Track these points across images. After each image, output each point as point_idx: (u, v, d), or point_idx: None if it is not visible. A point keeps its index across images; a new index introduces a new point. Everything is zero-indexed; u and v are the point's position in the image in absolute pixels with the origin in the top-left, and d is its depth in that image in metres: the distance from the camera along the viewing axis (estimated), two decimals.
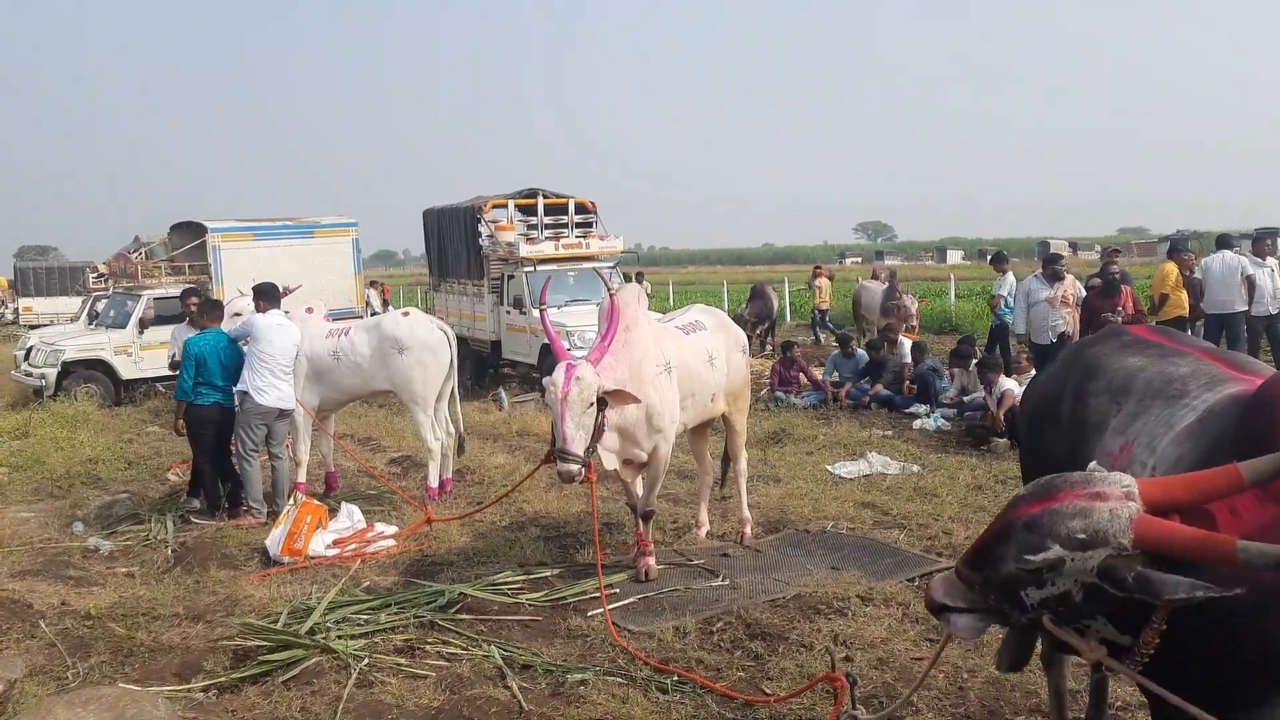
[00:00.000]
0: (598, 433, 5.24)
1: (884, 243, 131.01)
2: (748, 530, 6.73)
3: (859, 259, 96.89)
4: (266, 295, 7.80)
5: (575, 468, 5.02)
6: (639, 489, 6.14)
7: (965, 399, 10.96)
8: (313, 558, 6.57)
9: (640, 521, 6.01)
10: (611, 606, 5.34)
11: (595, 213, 15.44)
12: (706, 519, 6.90)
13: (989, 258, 14.20)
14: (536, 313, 13.45)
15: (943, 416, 10.65)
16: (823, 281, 21.05)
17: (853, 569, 5.94)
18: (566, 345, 13.19)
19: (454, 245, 15.89)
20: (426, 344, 7.92)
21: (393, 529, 7.13)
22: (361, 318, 14.81)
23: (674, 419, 5.82)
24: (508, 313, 14.42)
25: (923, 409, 11.16)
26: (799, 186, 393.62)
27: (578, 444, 5.04)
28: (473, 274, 15.30)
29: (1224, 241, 11.98)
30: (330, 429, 8.55)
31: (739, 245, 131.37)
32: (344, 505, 7.29)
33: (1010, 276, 12.55)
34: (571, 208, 15.22)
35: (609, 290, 5.62)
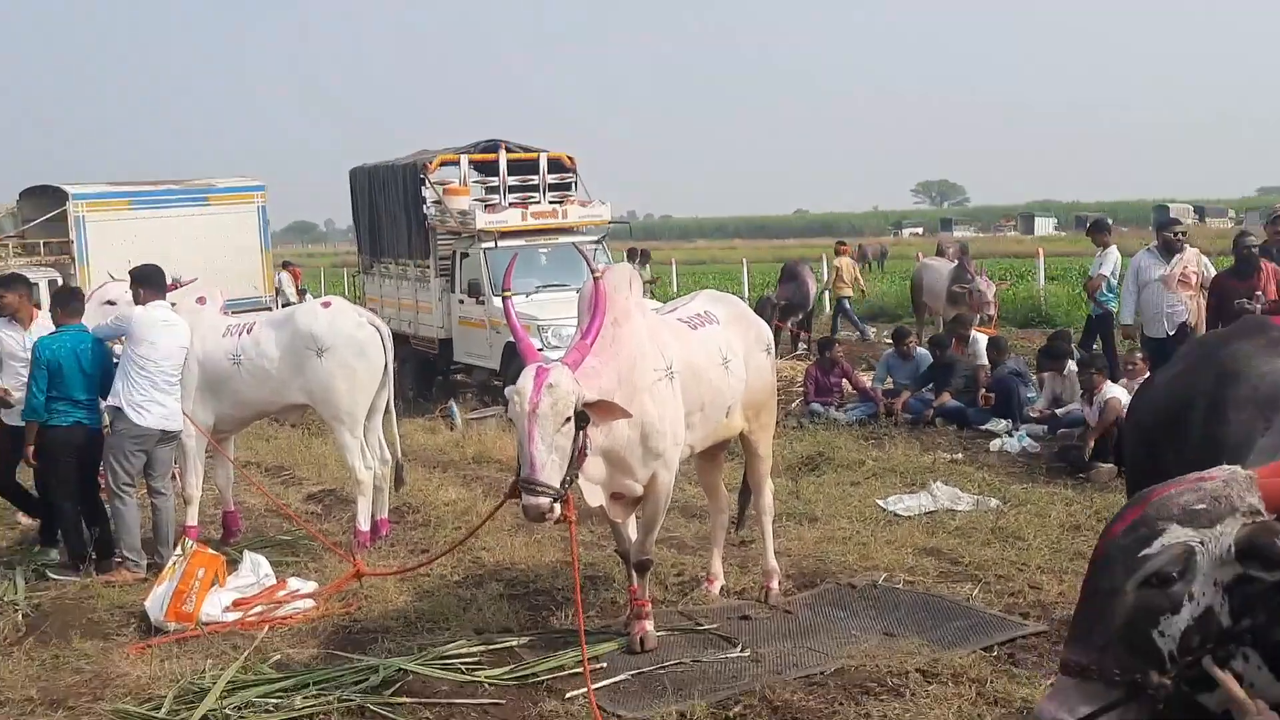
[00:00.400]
0: (577, 458, 5.24)
1: (952, 208, 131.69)
2: (774, 585, 6.74)
3: (919, 230, 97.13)
4: (148, 282, 7.79)
5: (546, 501, 5.01)
6: (632, 532, 6.14)
7: (1058, 411, 11.01)
8: (207, 624, 6.56)
9: (634, 574, 6.01)
10: (597, 686, 5.32)
11: (575, 171, 15.50)
12: (720, 570, 6.91)
13: (1087, 226, 14.23)
14: (498, 302, 13.54)
15: (1028, 435, 10.69)
16: (843, 261, 21.17)
17: (911, 635, 5.95)
18: (538, 344, 13.29)
19: (390, 215, 15.93)
20: (353, 343, 7.92)
21: (311, 586, 7.12)
22: (271, 309, 14.84)
23: (678, 440, 5.82)
24: (460, 302, 14.46)
25: (1002, 425, 11.21)
26: (841, 136, 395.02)
27: (550, 472, 5.03)
28: (415, 252, 15.34)
29: None
30: (230, 455, 8.55)
31: (764, 212, 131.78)
32: (247, 555, 7.29)
33: (1114, 251, 12.61)
34: (543, 165, 15.27)
35: (592, 272, 5.62)
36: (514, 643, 6.06)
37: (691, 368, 5.96)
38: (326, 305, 8.15)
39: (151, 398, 7.48)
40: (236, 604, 6.81)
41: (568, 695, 5.38)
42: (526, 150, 15.40)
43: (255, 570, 7.14)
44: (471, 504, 9.16)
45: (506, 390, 5.23)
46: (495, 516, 8.48)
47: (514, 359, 13.19)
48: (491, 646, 6.00)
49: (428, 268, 15.02)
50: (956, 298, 15.38)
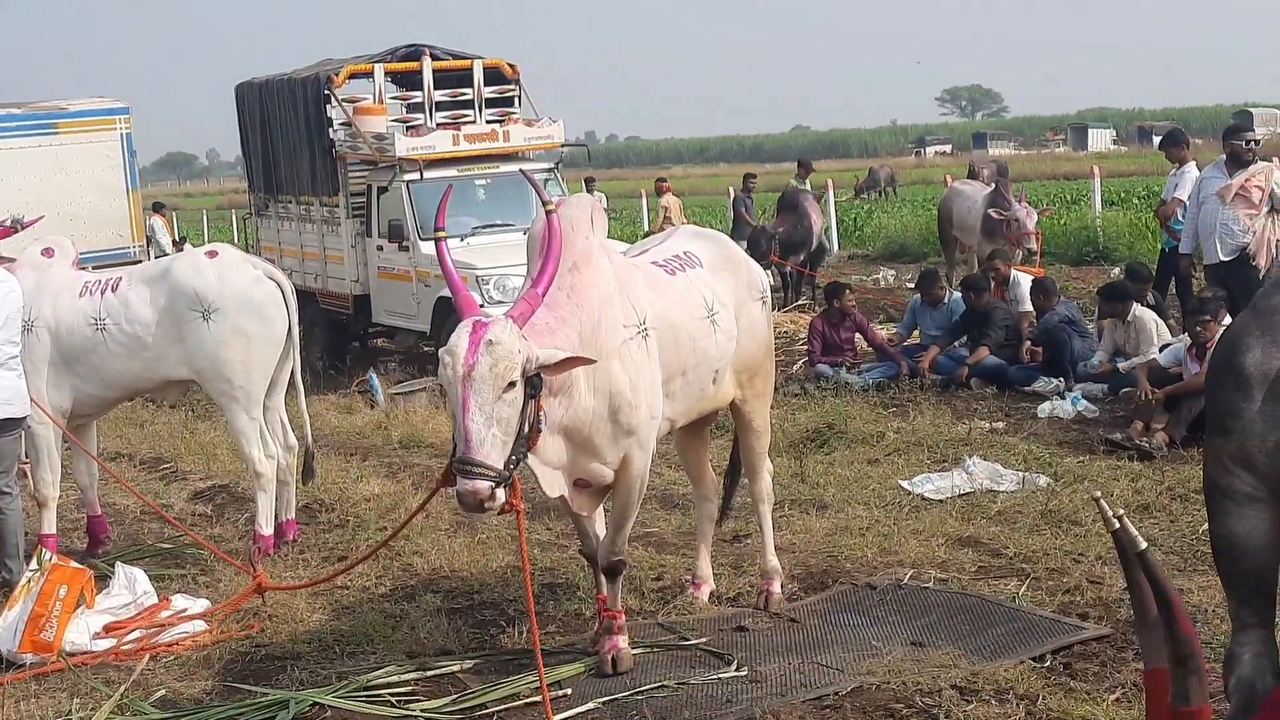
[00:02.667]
0: (529, 435, 5.24)
1: (987, 120, 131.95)
2: (775, 588, 6.79)
3: (946, 147, 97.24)
4: None
5: (486, 486, 4.98)
6: (600, 528, 6.15)
7: (1120, 366, 11.10)
8: (71, 654, 6.54)
9: (603, 580, 6.04)
10: (559, 718, 5.36)
11: (518, 83, 15.46)
12: (709, 572, 6.95)
13: (1160, 139, 14.26)
14: (426, 247, 13.53)
15: (1084, 396, 10.78)
16: (670, 200, 21.45)
17: (945, 644, 6.01)
18: (478, 299, 13.30)
19: (289, 142, 15.86)
20: (248, 302, 7.89)
21: (202, 604, 7.12)
22: (140, 262, 14.74)
23: (654, 413, 5.83)
24: (379, 249, 14.43)
25: (1052, 384, 11.30)
26: (848, 33, 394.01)
27: (491, 449, 5.01)
28: (320, 188, 15.29)
29: None
30: (91, 446, 8.50)
31: (754, 131, 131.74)
32: (120, 569, 7.28)
33: (1192, 169, 12.66)
34: (478, 75, 15.22)
35: (545, 204, 5.59)
36: (456, 667, 6.08)
37: (670, 323, 5.96)
38: (212, 255, 8.10)
39: None
40: (109, 629, 6.78)
41: None
42: (457, 58, 15.32)
43: (131, 586, 7.12)
44: (399, 499, 9.21)
45: (440, 352, 5.22)
46: (428, 511, 8.56)
47: (448, 318, 13.23)
48: (429, 673, 6.02)
49: (337, 207, 14.98)
50: (993, 229, 15.45)
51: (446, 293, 13.11)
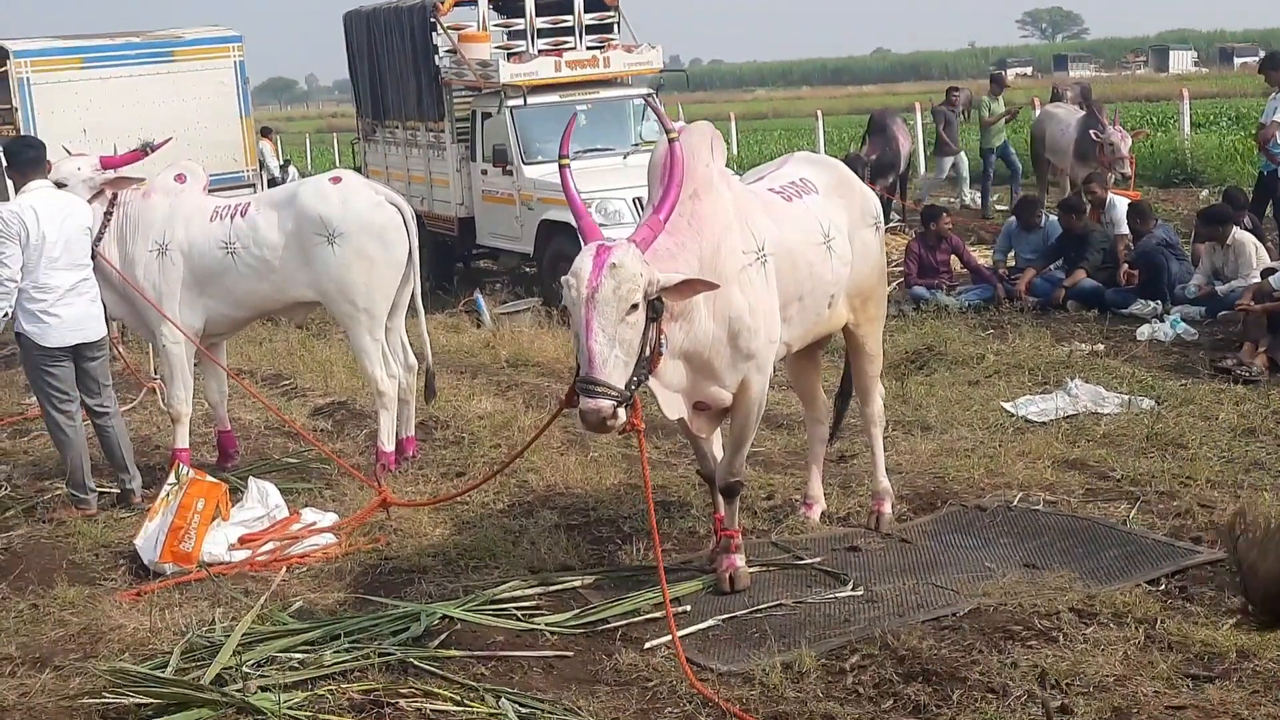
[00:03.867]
0: (650, 358, 5.19)
1: (1068, 43, 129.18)
2: (886, 509, 6.72)
3: (1027, 70, 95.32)
4: (18, 159, 7.57)
5: (609, 405, 4.95)
6: (717, 449, 6.09)
7: (1219, 289, 10.82)
8: (210, 565, 6.62)
9: (721, 500, 5.99)
10: (682, 634, 5.33)
11: (617, 9, 15.23)
12: (820, 492, 6.90)
13: (1260, 62, 13.77)
14: (530, 171, 13.44)
15: (1182, 319, 10.52)
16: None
17: (1059, 567, 5.92)
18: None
19: (395, 69, 15.79)
20: (371, 227, 7.86)
21: (330, 518, 7.17)
22: (255, 187, 14.78)
23: (772, 338, 5.74)
24: (484, 173, 14.36)
25: (1150, 307, 11.06)
26: None
27: (614, 370, 4.97)
28: (426, 113, 15.23)
29: None
30: (223, 364, 8.56)
31: (836, 54, 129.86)
32: (252, 482, 7.35)
33: None
34: (579, 2, 15.01)
35: (667, 132, 5.47)
36: (577, 583, 6.09)
37: (787, 249, 5.85)
38: (336, 181, 8.05)
39: (44, 309, 7.32)
40: (243, 541, 6.87)
41: (646, 645, 5.40)
42: None
43: (263, 500, 7.19)
44: (511, 416, 9.17)
45: (562, 280, 5.14)
46: (549, 432, 8.56)
47: (551, 241, 13.20)
48: (551, 588, 6.03)
49: (442, 132, 14.90)
50: (1087, 152, 15.09)
51: (550, 215, 13.19)
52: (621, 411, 5.02)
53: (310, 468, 8.36)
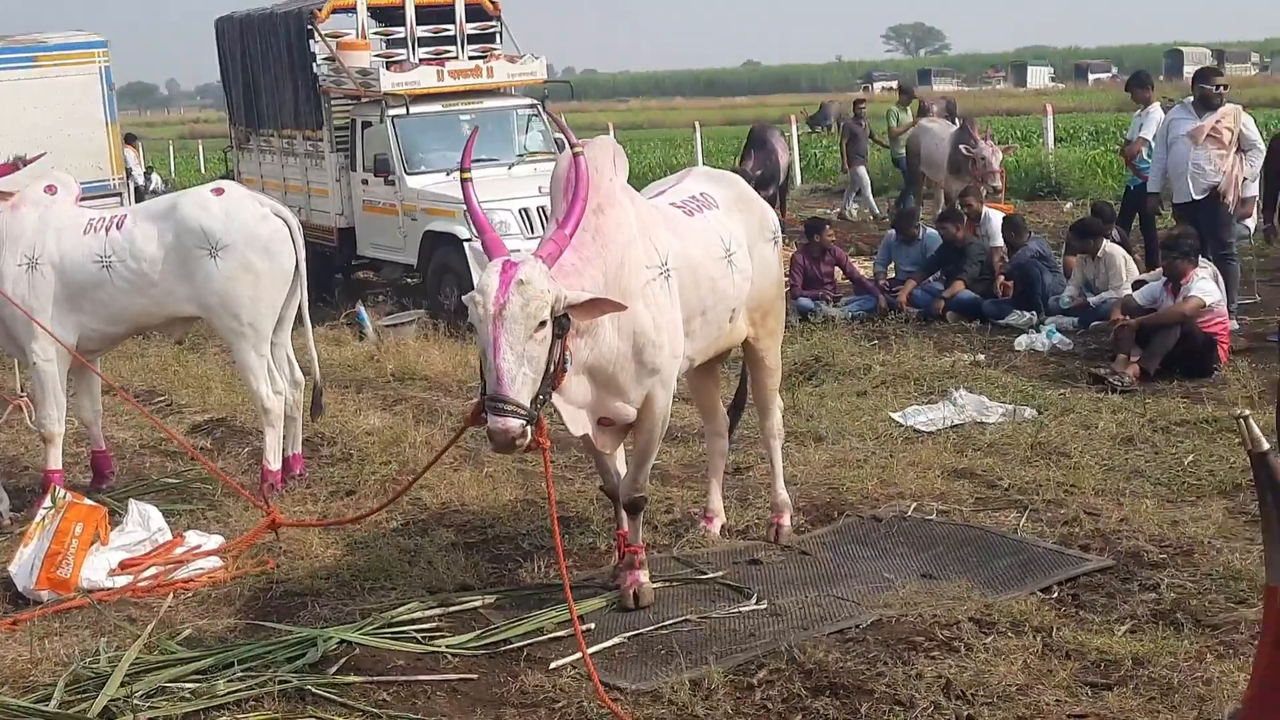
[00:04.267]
0: (555, 374, 5.14)
1: (930, 58, 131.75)
2: (785, 521, 6.73)
3: (893, 84, 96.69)
4: None
5: (517, 425, 4.89)
6: (620, 464, 6.07)
7: (1091, 300, 11.09)
8: (90, 591, 6.41)
9: (625, 516, 5.95)
10: (590, 651, 5.27)
11: (499, 19, 15.15)
12: (720, 505, 6.90)
13: (1127, 80, 14.18)
14: (413, 181, 13.28)
15: (1058, 329, 10.75)
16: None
17: (955, 576, 5.97)
18: (465, 234, 13.06)
19: (270, 75, 15.54)
20: (256, 240, 7.68)
21: (216, 540, 6.99)
22: (121, 196, 14.39)
23: (676, 352, 5.72)
24: (364, 183, 14.18)
25: (1025, 318, 11.30)
26: None
27: (522, 388, 4.91)
28: (303, 121, 15.00)
29: None
30: (97, 382, 8.27)
31: (707, 65, 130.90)
32: (132, 505, 7.13)
33: (1157, 110, 12.58)
34: (460, 11, 14.91)
35: (572, 147, 5.43)
36: (478, 603, 5.99)
37: (690, 264, 5.84)
38: (219, 193, 7.85)
39: None
40: (125, 566, 6.66)
41: (552, 665, 5.33)
42: None
43: (144, 523, 6.97)
44: (400, 432, 9.02)
45: (466, 297, 5.07)
46: (430, 444, 8.46)
47: (435, 252, 13.06)
48: (452, 609, 5.92)
49: (320, 141, 14.69)
50: (960, 166, 15.37)
51: (434, 226, 13.07)
52: (529, 430, 4.97)
53: (192, 488, 8.13)
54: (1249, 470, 6.99)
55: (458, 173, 12.95)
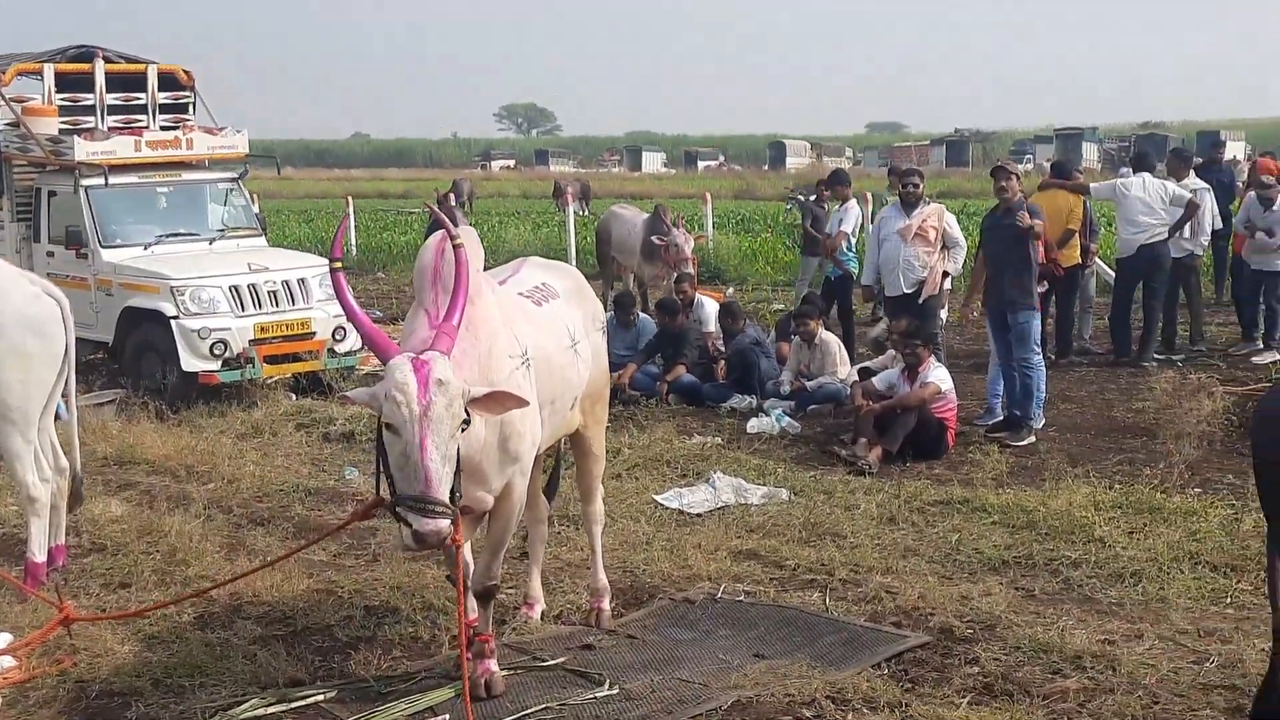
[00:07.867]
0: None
1: (544, 138, 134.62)
2: (605, 605, 6.84)
3: (510, 162, 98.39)
4: None
5: (447, 525, 4.94)
6: (467, 553, 6.04)
7: (808, 385, 11.71)
8: None
9: (476, 604, 5.92)
10: None
11: (194, 89, 14.64)
12: (540, 591, 6.95)
13: (828, 178, 15.09)
14: (108, 255, 12.64)
15: (786, 414, 11.28)
16: None
17: (786, 656, 6.21)
18: (172, 310, 12.53)
19: None
20: (30, 322, 7.25)
21: (4, 638, 6.50)
22: None
23: (535, 440, 5.80)
24: (50, 255, 13.36)
25: (745, 402, 11.78)
26: (405, 48, 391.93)
27: (444, 487, 4.93)
28: None
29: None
30: None
31: (315, 136, 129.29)
32: None
33: (855, 207, 13.52)
34: (152, 81, 14.31)
35: (453, 238, 5.42)
36: (319, 698, 5.84)
37: (545, 354, 5.94)
38: None
39: None
40: None
41: None
42: (130, 61, 14.35)
43: None
44: (149, 521, 8.59)
45: (374, 392, 5.01)
46: (185, 532, 8.11)
47: (135, 328, 12.44)
48: (293, 705, 5.76)
49: (1, 210, 13.72)
50: (653, 252, 15.79)
51: (134, 302, 12.46)
52: (452, 530, 5.02)
53: None
54: (1011, 549, 7.65)
55: (155, 246, 12.77)
